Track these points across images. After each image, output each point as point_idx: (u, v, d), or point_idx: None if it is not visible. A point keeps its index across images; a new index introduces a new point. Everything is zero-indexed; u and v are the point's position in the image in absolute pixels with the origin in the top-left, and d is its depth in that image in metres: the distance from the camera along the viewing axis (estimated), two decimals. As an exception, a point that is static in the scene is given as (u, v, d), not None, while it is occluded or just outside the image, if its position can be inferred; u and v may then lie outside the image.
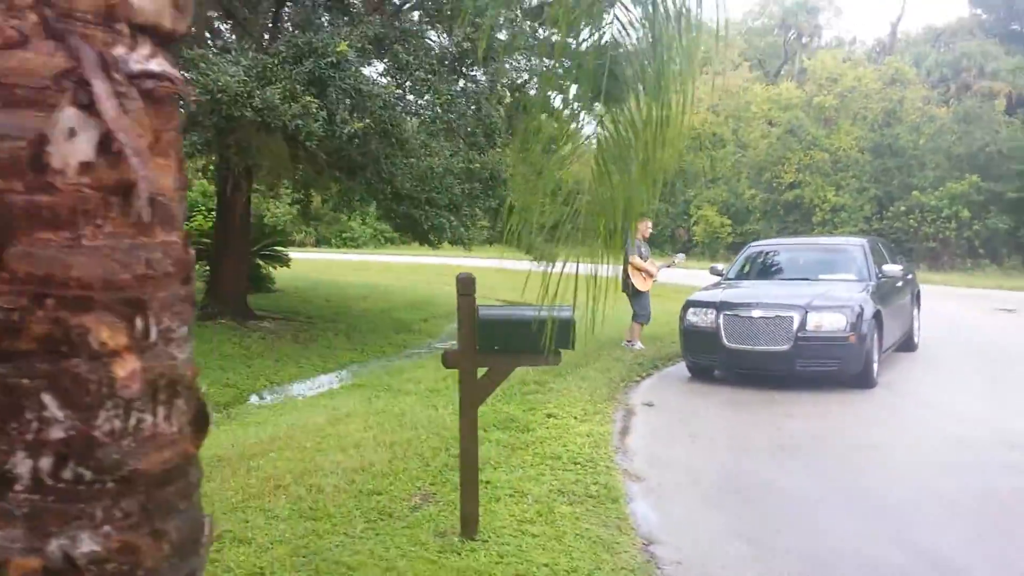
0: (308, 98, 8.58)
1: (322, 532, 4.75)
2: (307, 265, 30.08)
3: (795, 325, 8.63)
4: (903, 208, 30.87)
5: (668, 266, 12.46)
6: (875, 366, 8.98)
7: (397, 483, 5.56)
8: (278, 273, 19.41)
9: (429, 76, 11.21)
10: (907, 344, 11.15)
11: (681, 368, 10.00)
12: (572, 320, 4.64)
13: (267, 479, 5.77)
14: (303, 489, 5.47)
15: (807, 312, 8.69)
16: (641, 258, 11.60)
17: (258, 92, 8.27)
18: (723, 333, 8.98)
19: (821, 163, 33.51)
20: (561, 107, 3.86)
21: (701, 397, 8.65)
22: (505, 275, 27.88)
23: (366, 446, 6.47)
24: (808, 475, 5.96)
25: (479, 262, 22.04)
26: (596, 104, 3.61)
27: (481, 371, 4.84)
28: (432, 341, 14.48)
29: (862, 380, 8.80)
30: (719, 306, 9.17)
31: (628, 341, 11.72)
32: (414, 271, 28.87)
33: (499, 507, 5.15)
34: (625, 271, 11.61)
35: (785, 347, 8.65)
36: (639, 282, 11.52)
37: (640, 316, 11.56)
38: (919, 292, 11.86)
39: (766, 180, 35.25)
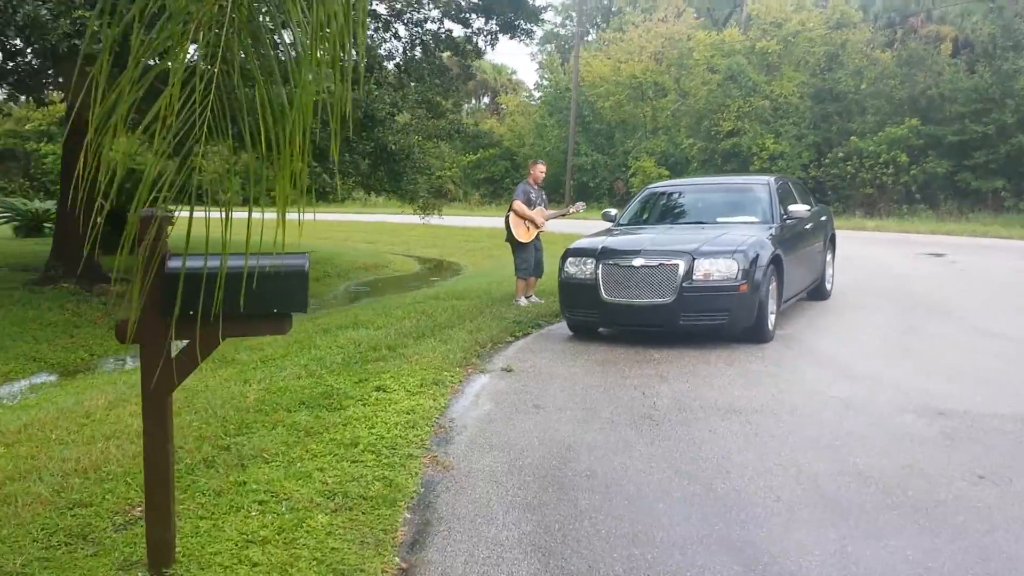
0: (81, 12, 7.10)
1: (-34, 565, 3.50)
2: (214, 223, 28.50)
3: (680, 274, 7.49)
4: (841, 154, 30.04)
5: (563, 215, 11.27)
6: (771, 318, 7.90)
7: (121, 489, 4.32)
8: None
9: None
10: (817, 292, 10.11)
11: (565, 326, 8.84)
12: (305, 271, 3.43)
13: (-36, 484, 4.50)
14: (-6, 498, 4.20)
15: (694, 259, 7.55)
16: (529, 205, 10.38)
17: (21, 6, 6.79)
18: (601, 285, 7.82)
19: (761, 110, 32.48)
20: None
21: (571, 359, 7.49)
22: (437, 230, 26.71)
23: (120, 437, 5.21)
24: (654, 456, 4.83)
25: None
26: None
27: (181, 346, 3.58)
28: (315, 301, 13.19)
29: (755, 334, 7.73)
30: (599, 255, 8.00)
31: (516, 299, 10.55)
32: (335, 228, 27.46)
33: (231, 521, 3.93)
34: (507, 219, 10.41)
35: (668, 299, 7.51)
36: (520, 232, 10.31)
37: (521, 270, 10.38)
38: (833, 235, 10.79)
39: (705, 128, 34.18)
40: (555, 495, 4.30)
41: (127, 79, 2.34)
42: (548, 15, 65.31)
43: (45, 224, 21.97)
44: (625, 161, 38.60)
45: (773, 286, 7.95)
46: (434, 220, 19.47)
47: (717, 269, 7.50)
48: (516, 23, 13.61)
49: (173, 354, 3.45)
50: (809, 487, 4.34)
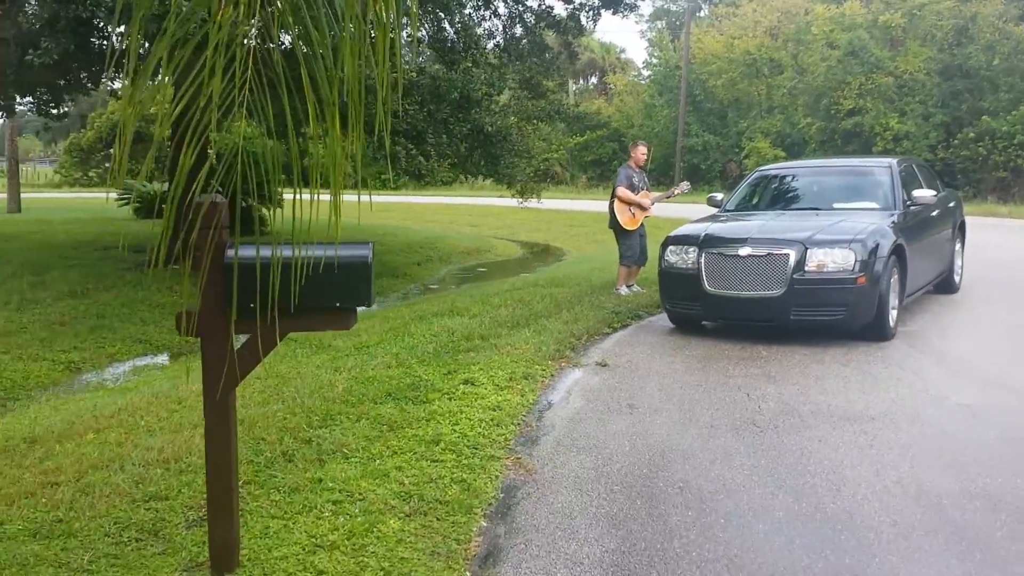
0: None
1: (35, 561, 3.45)
2: (324, 207, 28.95)
3: (791, 265, 6.98)
4: (972, 135, 28.18)
5: (668, 197, 10.80)
6: (892, 314, 7.29)
7: (199, 482, 4.23)
8: (279, 215, 18.22)
9: None
10: (945, 285, 9.35)
11: (666, 318, 8.43)
12: (368, 263, 3.22)
13: (48, 472, 4.52)
14: (72, 491, 4.18)
15: (806, 248, 7.02)
16: (632, 190, 9.97)
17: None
18: (704, 276, 7.38)
19: (885, 87, 30.83)
20: None
21: (671, 354, 7.10)
22: (539, 214, 26.44)
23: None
24: (756, 467, 4.43)
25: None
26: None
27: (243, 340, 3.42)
28: (414, 285, 13.14)
29: (875, 331, 7.14)
30: (701, 243, 7.55)
31: (617, 287, 10.17)
32: (441, 212, 27.57)
33: (302, 522, 3.78)
34: (611, 205, 10.04)
35: (778, 292, 7.02)
36: (625, 218, 9.91)
37: (626, 258, 9.98)
38: (963, 223, 9.96)
39: (824, 107, 32.70)
40: (644, 508, 3.97)
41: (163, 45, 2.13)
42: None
43: (163, 205, 22.71)
44: (738, 142, 37.43)
45: (895, 279, 7.34)
46: (539, 204, 19.20)
47: (832, 260, 6.95)
48: (620, -2, 13.17)
49: (236, 348, 3.29)
50: (931, 510, 3.87)
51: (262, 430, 5.02)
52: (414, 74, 10.33)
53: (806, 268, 6.98)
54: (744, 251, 7.18)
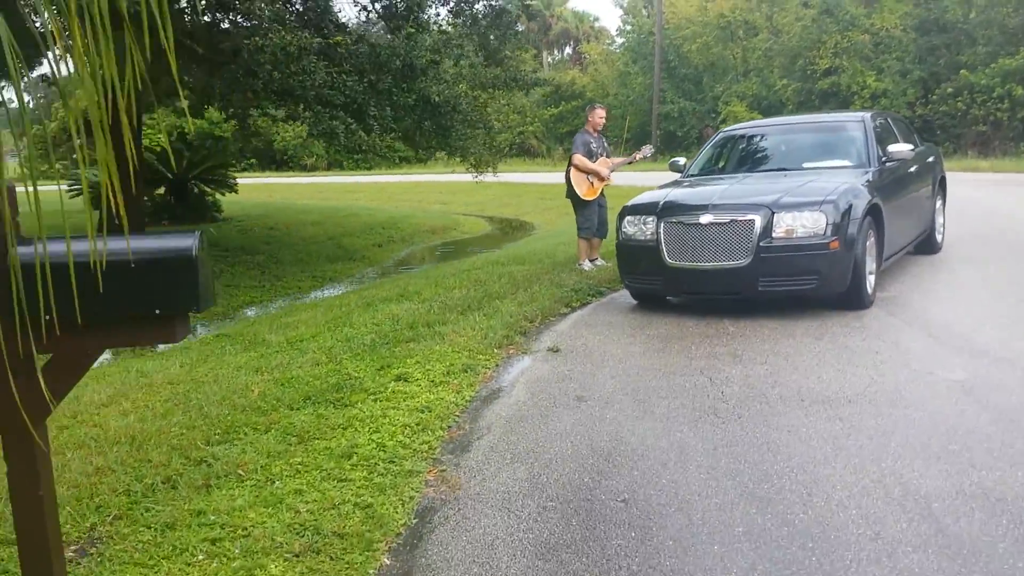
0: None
1: None
2: (290, 190, 28.30)
3: (756, 231, 6.34)
4: (950, 90, 27.55)
5: (629, 162, 10.11)
6: (870, 279, 6.68)
7: (66, 517, 3.57)
8: (236, 199, 17.50)
9: None
10: (926, 245, 8.75)
11: (629, 294, 7.80)
12: (192, 256, 2.54)
13: None
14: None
15: (773, 213, 6.38)
16: (590, 157, 9.31)
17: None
18: (664, 247, 6.74)
19: (860, 45, 30.14)
20: None
21: (630, 334, 6.47)
22: (516, 189, 25.72)
23: (104, 441, 4.50)
24: (715, 468, 3.81)
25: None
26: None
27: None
28: (372, 269, 12.46)
29: (852, 300, 6.54)
30: (660, 212, 6.90)
31: (579, 262, 9.53)
32: (412, 190, 26.80)
33: (167, 569, 3.13)
34: (568, 174, 9.37)
35: (743, 262, 6.38)
36: (583, 188, 9.25)
37: (583, 230, 9.34)
38: (943, 178, 9.34)
39: (800, 68, 32.02)
40: (580, 531, 3.35)
41: None
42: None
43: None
44: (715, 107, 36.67)
45: (871, 241, 6.72)
46: (510, 177, 18.43)
47: (802, 224, 6.32)
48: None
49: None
50: (919, 517, 3.27)
51: (152, 449, 4.36)
52: (348, 42, 9.58)
53: (773, 234, 6.35)
54: (705, 219, 6.54)
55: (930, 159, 8.95)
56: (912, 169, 8.01)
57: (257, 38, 8.30)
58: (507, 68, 12.53)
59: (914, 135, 9.19)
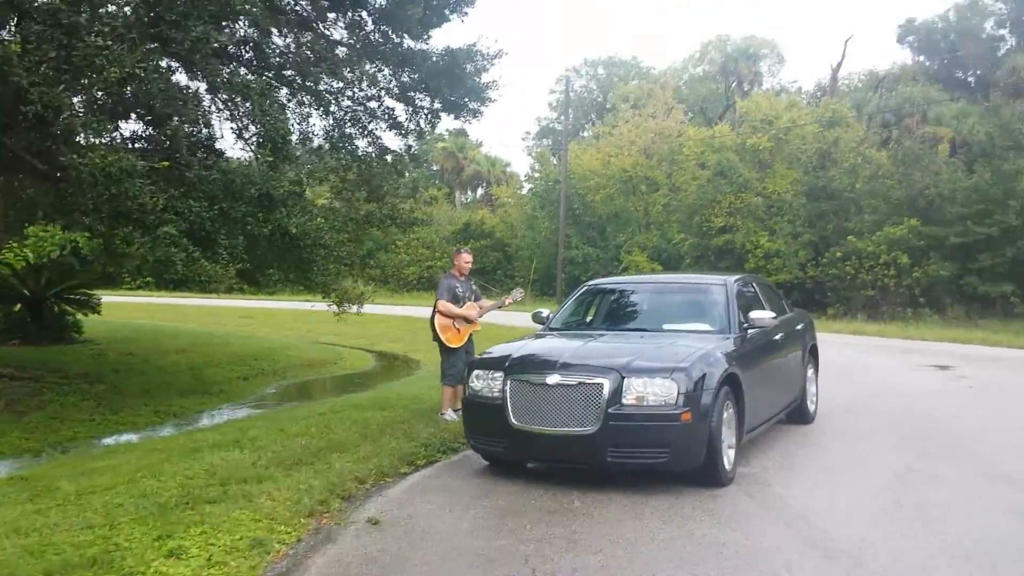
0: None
1: None
2: (176, 312, 27.12)
3: (605, 396, 5.85)
4: (839, 254, 28.59)
5: (500, 306, 9.66)
6: (729, 454, 6.22)
7: None
8: (105, 320, 16.36)
9: None
10: (798, 414, 8.43)
11: (481, 453, 7.15)
12: None
13: None
14: None
15: (623, 377, 5.91)
16: (456, 301, 8.84)
17: None
18: (510, 407, 6.18)
19: (754, 207, 31.31)
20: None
21: (466, 505, 5.78)
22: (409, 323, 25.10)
23: None
24: None
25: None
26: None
27: None
28: (228, 406, 11.53)
29: (706, 476, 6.04)
30: (508, 368, 6.37)
31: (442, 412, 8.88)
32: (305, 318, 25.73)
33: None
34: (432, 320, 8.86)
35: (590, 429, 5.85)
36: (448, 335, 8.75)
37: (448, 377, 8.77)
38: (814, 346, 9.14)
39: (696, 224, 32.96)
40: None
41: None
42: (543, 111, 65.38)
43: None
44: (617, 255, 37.33)
45: (730, 412, 6.30)
46: (411, 311, 17.64)
47: (652, 392, 5.86)
48: (460, 102, 12.33)
49: None
50: None
51: None
52: (199, 167, 9.08)
53: (623, 401, 5.86)
54: (552, 379, 6.02)
55: (799, 326, 8.76)
56: (777, 337, 7.74)
57: (76, 156, 7.70)
58: (383, 205, 12.17)
59: (782, 301, 9.02)
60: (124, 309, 26.37)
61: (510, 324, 16.24)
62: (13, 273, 14.57)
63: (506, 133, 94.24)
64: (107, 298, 28.98)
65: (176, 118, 8.95)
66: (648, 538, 5.02)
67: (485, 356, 6.88)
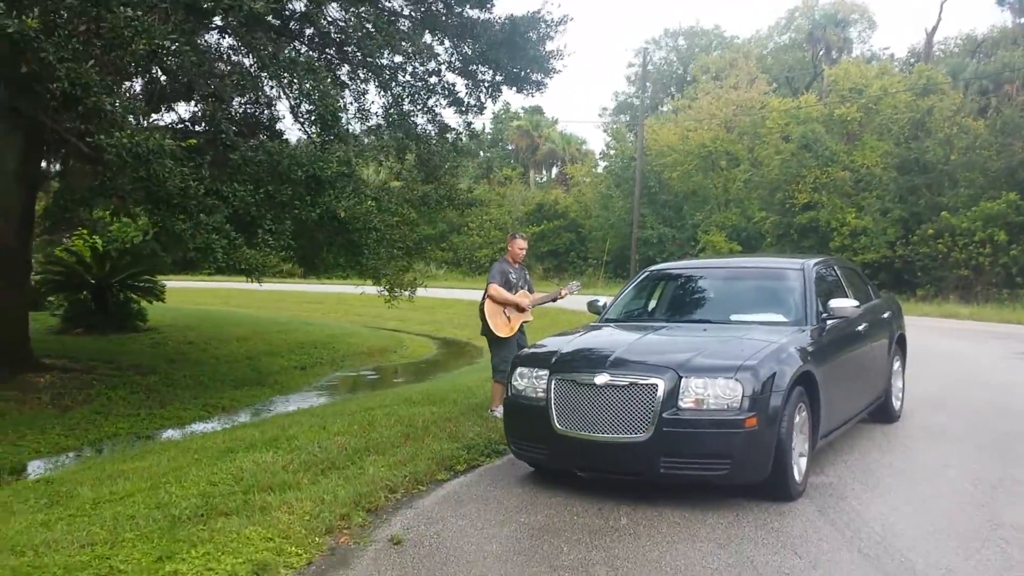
0: None
1: None
2: (249, 297, 27.24)
3: (659, 398, 5.19)
4: (931, 231, 26.94)
5: (554, 299, 9.01)
6: (800, 463, 5.50)
7: None
8: (172, 307, 16.35)
9: None
10: (881, 412, 7.61)
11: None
12: None
13: None
14: None
15: (680, 377, 5.24)
16: (509, 288, 8.26)
17: None
18: (554, 409, 5.57)
19: (841, 182, 29.80)
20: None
21: (499, 520, 5.22)
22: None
23: None
24: None
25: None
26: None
27: None
28: (280, 397, 11.23)
29: (773, 489, 5.34)
30: (554, 365, 5.77)
31: (492, 408, 8.34)
32: (371, 302, 25.64)
33: None
34: (482, 307, 8.30)
35: (642, 436, 5.20)
36: (498, 322, 8.18)
37: (500, 372, 8.16)
38: (902, 336, 8.24)
39: (779, 201, 31.55)
40: None
41: None
42: (620, 85, 64.12)
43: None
44: (694, 235, 36.15)
45: (803, 416, 5.57)
46: (470, 295, 17.15)
47: (714, 393, 5.17)
48: (523, 74, 11.67)
49: None
50: None
51: None
52: (246, 147, 8.67)
53: (680, 404, 5.19)
54: (601, 378, 5.38)
55: (885, 314, 7.89)
56: (860, 327, 6.92)
57: (103, 136, 7.34)
58: (440, 186, 11.63)
59: (867, 286, 8.15)
60: (200, 295, 26.64)
61: (575, 309, 15.54)
62: (78, 260, 14.58)
63: (583, 110, 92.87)
64: (184, 284, 29.45)
65: (215, 95, 8.57)
66: (700, 565, 4.37)
67: (530, 351, 6.30)
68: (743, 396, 5.11)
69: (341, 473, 6.16)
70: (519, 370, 6.01)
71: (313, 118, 9.55)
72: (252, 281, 9.35)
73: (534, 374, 5.85)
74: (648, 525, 5.00)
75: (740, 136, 37.16)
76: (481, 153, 64.05)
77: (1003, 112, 28.65)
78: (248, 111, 11.79)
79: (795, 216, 30.35)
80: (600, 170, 46.99)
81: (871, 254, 27.73)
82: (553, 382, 5.62)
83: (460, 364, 16.06)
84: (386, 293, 11.58)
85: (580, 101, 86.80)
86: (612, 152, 44.16)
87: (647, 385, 5.24)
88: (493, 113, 52.62)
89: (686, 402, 5.19)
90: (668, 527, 4.96)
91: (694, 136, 37.26)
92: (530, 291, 8.59)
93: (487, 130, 57.86)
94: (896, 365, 7.93)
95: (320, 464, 6.45)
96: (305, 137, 11.09)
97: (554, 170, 57.63)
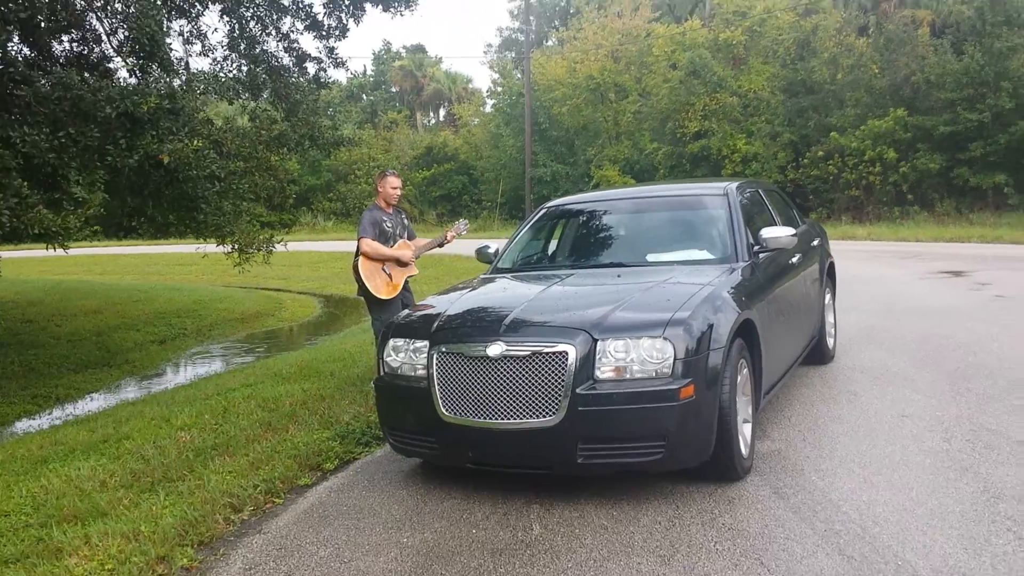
0: None
1: None
2: (114, 263, 24.99)
3: (571, 369, 4.04)
4: (821, 153, 26.76)
5: (440, 244, 7.67)
6: (744, 433, 4.47)
7: None
8: (25, 278, 14.37)
9: None
10: (815, 354, 6.72)
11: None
12: None
13: None
14: None
15: (595, 340, 4.10)
16: (385, 240, 6.95)
17: None
18: (437, 391, 4.35)
19: (729, 108, 29.29)
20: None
21: (376, 543, 4.01)
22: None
23: None
24: None
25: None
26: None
27: None
28: (129, 380, 9.69)
29: (716, 470, 4.31)
30: (434, 333, 4.53)
31: (376, 379, 7.05)
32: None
33: None
34: (356, 266, 6.96)
35: (552, 419, 4.05)
36: (377, 283, 6.87)
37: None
38: (832, 265, 7.36)
39: (670, 131, 30.93)
40: None
41: None
42: (504, 20, 62.11)
43: None
44: (588, 171, 35.26)
45: (745, 374, 4.53)
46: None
47: (638, 358, 4.05)
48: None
49: None
50: None
51: None
52: (42, 84, 7.01)
53: (597, 374, 4.06)
54: (495, 349, 4.18)
55: (815, 241, 6.96)
56: (794, 259, 5.94)
57: None
58: (297, 124, 10.07)
59: (793, 210, 7.18)
60: (60, 263, 24.19)
61: (468, 254, 14.32)
62: None
63: (467, 47, 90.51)
64: (37, 253, 26.85)
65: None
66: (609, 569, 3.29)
67: (406, 317, 5.05)
68: (675, 359, 4.00)
69: (173, 487, 4.84)
70: (392, 342, 4.75)
71: (131, 45, 7.86)
72: (52, 248, 7.68)
73: (411, 346, 4.61)
74: (568, 535, 3.88)
75: (627, 66, 36.20)
76: (364, 97, 61.51)
77: (886, 28, 28.48)
78: (74, 49, 10.01)
79: (686, 145, 29.79)
80: (489, 109, 45.49)
81: (763, 179, 27.39)
82: (435, 356, 4.39)
83: (345, 324, 14.66)
84: (235, 254, 9.95)
85: (464, 38, 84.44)
86: (500, 90, 42.62)
87: (554, 354, 4.07)
88: (373, 53, 50.15)
89: (605, 372, 4.05)
90: (593, 536, 3.85)
91: (581, 68, 36.11)
92: (410, 239, 7.28)
93: (369, 72, 55.38)
94: (828, 298, 7.04)
95: (150, 475, 5.11)
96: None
97: (441, 112, 55.80)
